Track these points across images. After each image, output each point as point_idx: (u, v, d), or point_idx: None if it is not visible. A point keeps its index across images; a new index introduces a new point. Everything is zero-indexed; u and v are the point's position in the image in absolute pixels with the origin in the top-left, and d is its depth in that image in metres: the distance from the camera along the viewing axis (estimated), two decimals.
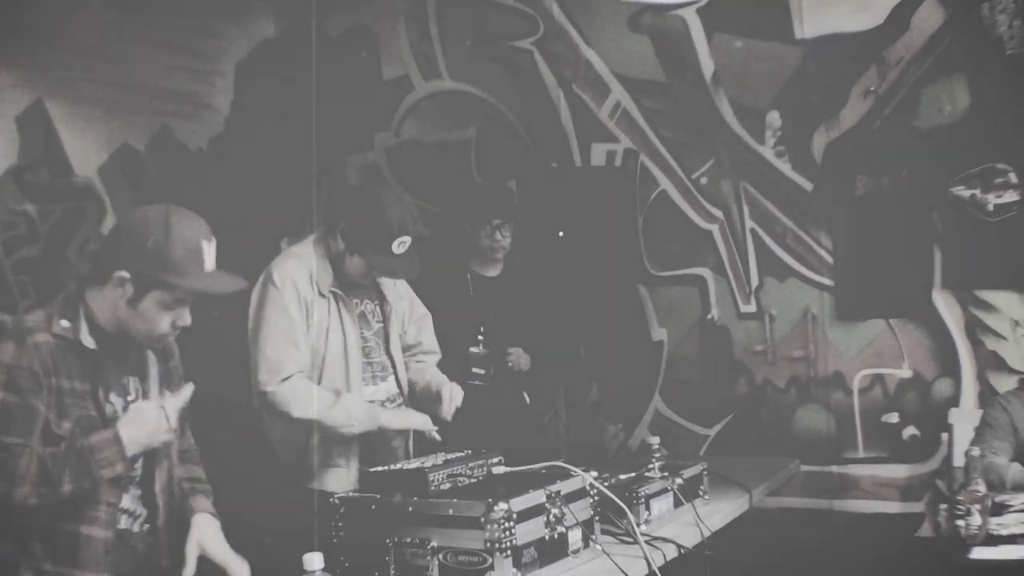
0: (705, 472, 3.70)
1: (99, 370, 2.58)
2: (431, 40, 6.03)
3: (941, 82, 4.87)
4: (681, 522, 3.39)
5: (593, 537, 3.02)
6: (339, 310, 3.60)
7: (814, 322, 5.21)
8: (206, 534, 2.74)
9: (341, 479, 3.54)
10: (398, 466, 3.19)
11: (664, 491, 3.41)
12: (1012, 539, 3.35)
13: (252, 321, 3.56)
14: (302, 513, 3.40)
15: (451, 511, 2.76)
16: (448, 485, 2.97)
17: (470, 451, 3.27)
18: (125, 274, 2.52)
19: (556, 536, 2.88)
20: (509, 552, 2.69)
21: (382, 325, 3.77)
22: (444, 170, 5.94)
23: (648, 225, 5.57)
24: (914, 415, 5.02)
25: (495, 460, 3.18)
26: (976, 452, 3.45)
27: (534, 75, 5.78)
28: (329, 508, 2.95)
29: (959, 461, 4.44)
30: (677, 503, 3.46)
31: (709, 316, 5.47)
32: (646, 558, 2.94)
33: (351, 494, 2.99)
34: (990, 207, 4.77)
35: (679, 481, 3.49)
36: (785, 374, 5.30)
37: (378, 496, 2.91)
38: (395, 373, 3.79)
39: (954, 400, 4.90)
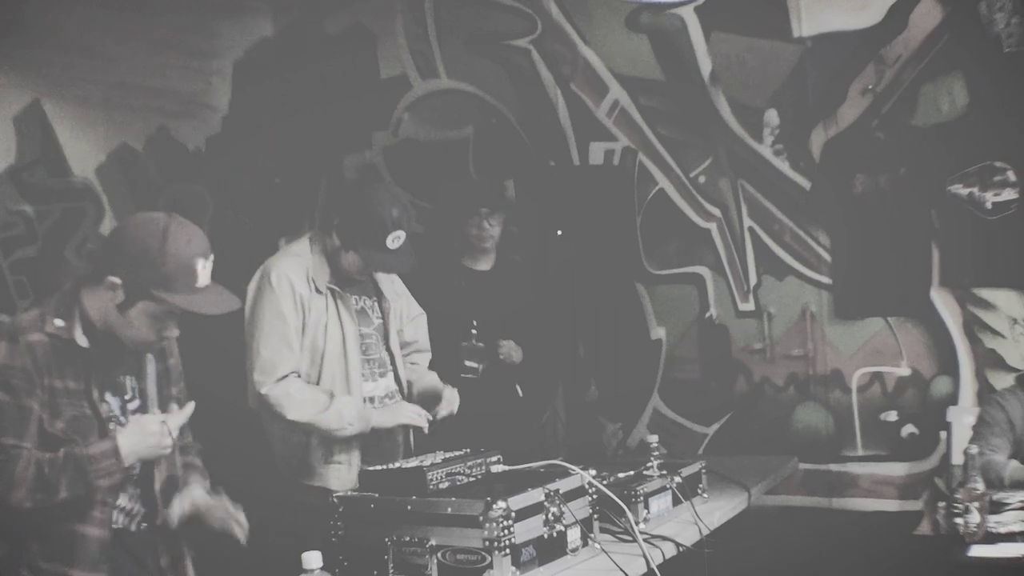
0: (704, 470, 3.70)
1: (92, 369, 2.57)
2: (429, 39, 6.03)
3: (939, 80, 4.87)
4: (680, 520, 3.40)
5: (592, 535, 3.02)
6: (337, 306, 3.62)
7: (812, 320, 5.21)
8: (196, 492, 2.75)
9: (343, 476, 3.55)
10: (396, 465, 3.19)
11: (663, 489, 3.41)
12: (1010, 537, 3.35)
13: (248, 319, 3.59)
14: (303, 511, 3.41)
15: (450, 510, 2.76)
16: (447, 484, 2.97)
17: (468, 450, 3.27)
18: (117, 280, 2.52)
19: (555, 534, 2.89)
20: (508, 551, 2.69)
21: (381, 321, 3.80)
22: (442, 169, 5.93)
23: (646, 224, 5.57)
24: (912, 413, 5.02)
25: (493, 459, 3.18)
26: (974, 450, 3.46)
27: (532, 74, 5.78)
28: (328, 507, 2.95)
29: (958, 459, 4.45)
30: (676, 501, 3.46)
31: (707, 315, 5.47)
32: (645, 556, 2.95)
33: (350, 493, 2.99)
34: (988, 205, 4.77)
35: (678, 479, 3.49)
36: (784, 372, 5.30)
37: (377, 495, 2.91)
38: (394, 369, 3.80)
39: (952, 398, 4.90)
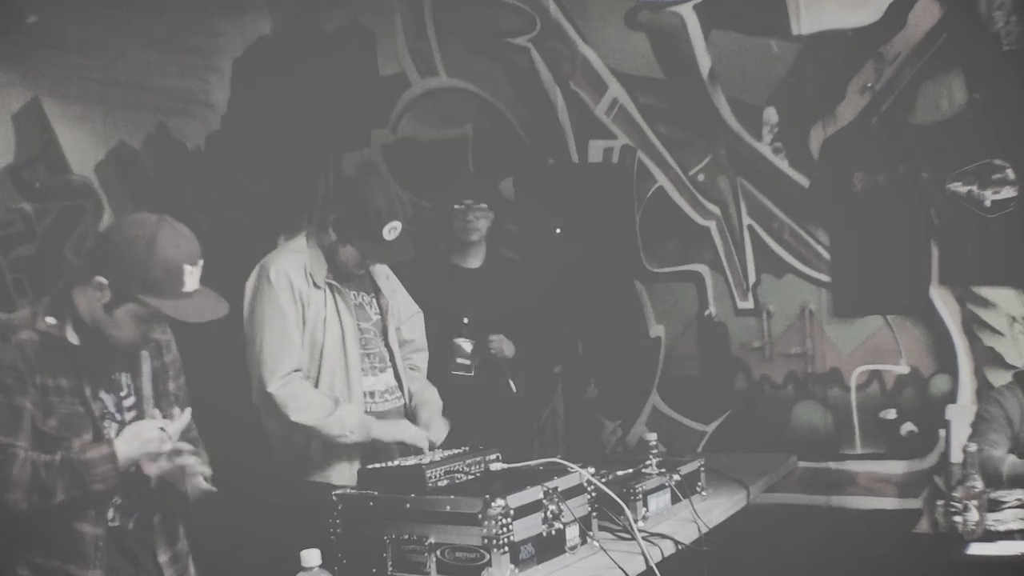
0: (703, 468, 3.71)
1: (84, 366, 2.57)
2: (427, 37, 6.02)
3: (938, 78, 4.87)
4: (679, 518, 3.40)
5: (591, 533, 3.02)
6: (335, 301, 3.64)
7: (812, 318, 5.21)
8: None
9: (345, 472, 3.55)
10: (396, 463, 3.19)
11: (662, 487, 3.41)
12: (1009, 535, 3.36)
13: (247, 316, 3.60)
14: (304, 507, 3.41)
15: (448, 507, 2.76)
16: (445, 482, 2.97)
17: (467, 448, 3.27)
18: (104, 280, 2.51)
19: (553, 532, 2.89)
20: (506, 548, 2.69)
21: (379, 317, 3.81)
22: (441, 167, 5.93)
23: (645, 222, 5.57)
24: (912, 411, 5.02)
25: (492, 456, 3.18)
26: (973, 448, 3.46)
27: (531, 72, 5.78)
28: (327, 505, 2.95)
29: (957, 457, 4.45)
30: (675, 499, 3.46)
31: (706, 312, 5.47)
32: (644, 554, 2.95)
33: (349, 491, 2.99)
34: (987, 203, 4.77)
35: (677, 477, 3.49)
36: (783, 370, 5.30)
37: (376, 493, 2.91)
38: (393, 366, 3.81)
39: (951, 396, 4.90)
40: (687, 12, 5.36)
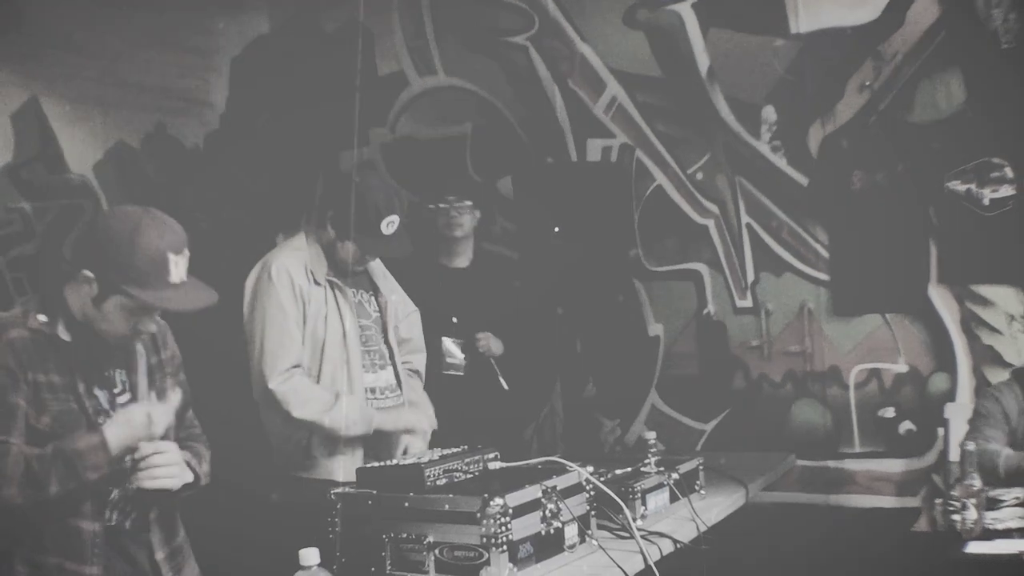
0: (701, 467, 3.70)
1: (76, 363, 2.57)
2: (426, 36, 6.02)
3: (936, 77, 4.87)
4: (677, 517, 3.39)
5: (589, 532, 3.02)
6: (336, 298, 3.65)
7: (810, 317, 5.21)
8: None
9: (348, 468, 3.56)
10: (394, 462, 3.19)
11: (660, 486, 3.41)
12: (1007, 533, 3.36)
13: (247, 314, 3.61)
14: (304, 506, 3.41)
15: (447, 506, 2.76)
16: (444, 481, 2.97)
17: (466, 447, 3.27)
18: (90, 274, 2.51)
19: (552, 531, 2.88)
20: (505, 547, 2.69)
21: (379, 315, 3.83)
22: (439, 166, 5.93)
23: (644, 220, 5.57)
24: (910, 410, 5.02)
25: (491, 455, 3.18)
26: (971, 447, 3.46)
27: (529, 71, 5.78)
28: (326, 503, 2.95)
29: (955, 455, 4.45)
30: (673, 498, 3.46)
31: (705, 311, 5.47)
32: (642, 553, 2.95)
33: (347, 490, 2.99)
34: (986, 202, 4.77)
35: (675, 476, 3.49)
36: (781, 369, 5.30)
37: (374, 492, 2.91)
38: (393, 364, 3.82)
39: (950, 395, 4.90)
40: (685, 10, 5.36)
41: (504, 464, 3.17)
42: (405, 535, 2.80)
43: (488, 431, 3.79)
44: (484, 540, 2.69)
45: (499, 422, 4.46)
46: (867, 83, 5.01)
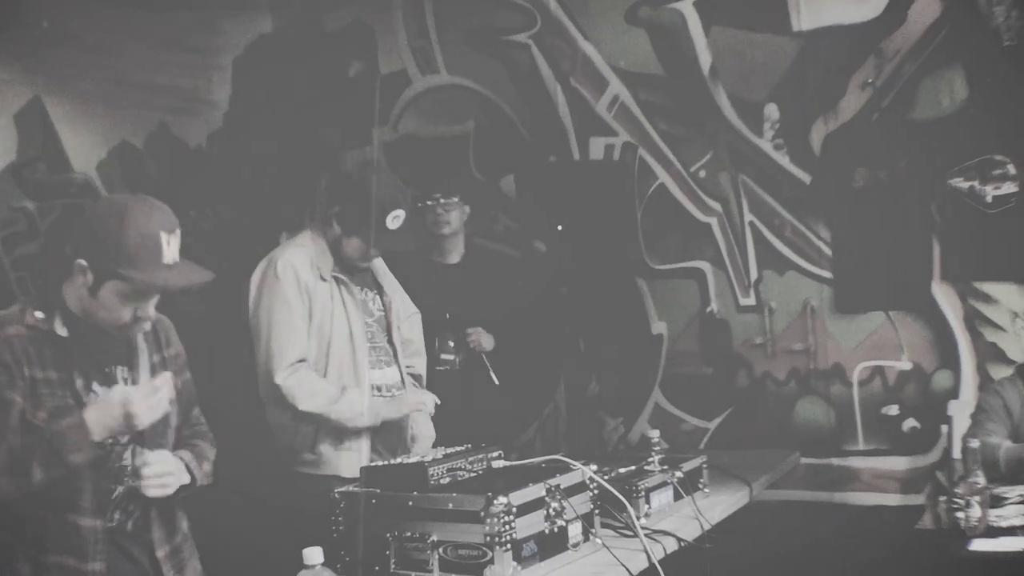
0: (705, 465, 3.70)
1: (73, 358, 2.57)
2: (428, 35, 6.02)
3: (939, 74, 4.87)
4: (681, 515, 3.40)
5: (593, 531, 3.02)
6: (342, 295, 3.66)
7: (813, 315, 5.21)
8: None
9: (354, 463, 3.56)
10: (398, 460, 3.20)
11: (664, 484, 3.41)
12: (1011, 531, 3.36)
13: (252, 310, 3.62)
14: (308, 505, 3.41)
15: (451, 505, 2.76)
16: (448, 479, 2.97)
17: (469, 445, 3.28)
18: (83, 262, 2.52)
19: (556, 530, 2.89)
20: (509, 546, 2.69)
21: (383, 314, 3.83)
22: (442, 164, 5.93)
23: (647, 219, 5.57)
24: (914, 407, 5.01)
25: (494, 454, 3.19)
26: (975, 444, 3.46)
27: (532, 69, 5.78)
28: (330, 502, 2.95)
29: (959, 453, 4.45)
30: (677, 496, 3.46)
31: (708, 309, 5.47)
32: (646, 551, 2.95)
33: (351, 489, 2.99)
34: (988, 199, 4.77)
35: (679, 474, 3.49)
36: (785, 367, 5.30)
37: (378, 491, 2.91)
38: (397, 362, 3.83)
39: (954, 392, 4.89)
40: (687, 8, 5.35)
41: (508, 463, 3.17)
42: (409, 534, 2.80)
43: (489, 430, 3.79)
44: (488, 539, 2.69)
45: (498, 421, 4.46)
46: (869, 80, 5.01)
